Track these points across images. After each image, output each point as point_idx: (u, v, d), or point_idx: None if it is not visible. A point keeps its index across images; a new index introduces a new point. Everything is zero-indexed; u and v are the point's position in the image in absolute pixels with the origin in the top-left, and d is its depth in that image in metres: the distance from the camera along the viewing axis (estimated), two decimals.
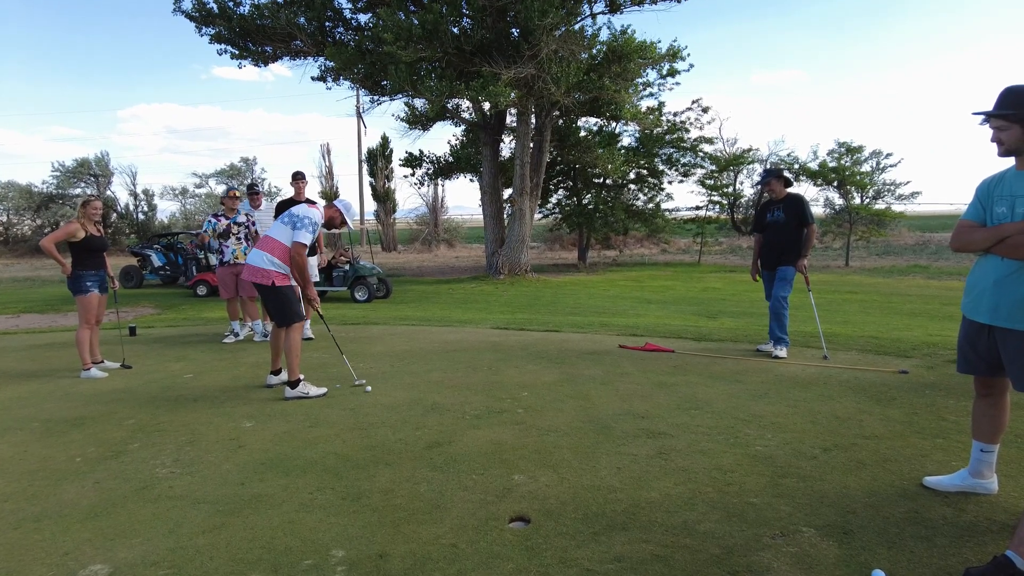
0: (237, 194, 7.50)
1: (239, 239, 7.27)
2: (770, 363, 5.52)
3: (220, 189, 42.73)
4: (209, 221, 7.39)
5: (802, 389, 4.66)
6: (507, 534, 2.59)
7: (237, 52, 18.16)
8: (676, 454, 3.42)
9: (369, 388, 4.87)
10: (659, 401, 4.40)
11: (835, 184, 24.16)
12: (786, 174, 6.00)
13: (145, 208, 37.82)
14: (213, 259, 16.61)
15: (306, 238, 4.69)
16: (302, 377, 4.74)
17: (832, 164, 23.90)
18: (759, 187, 5.99)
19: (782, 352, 5.69)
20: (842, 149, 24.04)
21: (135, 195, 37.35)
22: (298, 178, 7.19)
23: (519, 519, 2.73)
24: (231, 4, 17.39)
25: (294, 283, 4.83)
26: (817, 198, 26.18)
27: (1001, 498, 2.83)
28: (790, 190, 6.00)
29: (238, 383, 5.18)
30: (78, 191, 35.05)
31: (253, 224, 7.39)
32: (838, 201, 25.12)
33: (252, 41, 18.02)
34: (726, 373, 5.16)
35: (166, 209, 43.61)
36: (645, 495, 2.92)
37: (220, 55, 18.47)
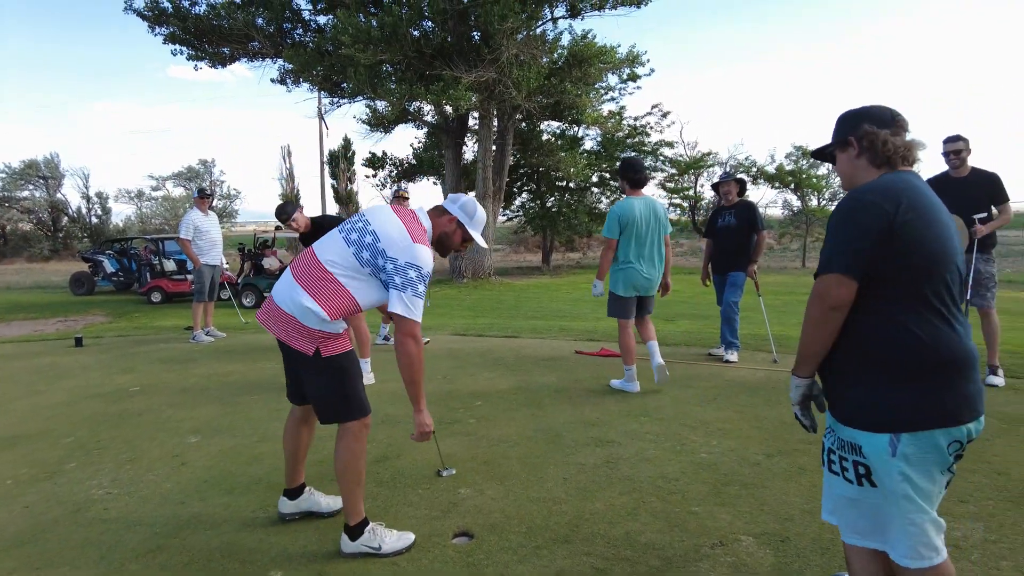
0: (407, 194, 7.03)
1: None
2: (720, 367, 5.62)
3: (177, 192, 41.79)
4: None
5: (750, 394, 4.75)
6: (449, 550, 2.59)
7: (193, 53, 17.78)
8: (623, 463, 3.45)
9: None
10: (610, 408, 4.44)
11: (792, 187, 24.75)
12: (743, 177, 6.16)
13: (99, 211, 36.78)
14: (169, 265, 16.21)
15: (418, 309, 2.48)
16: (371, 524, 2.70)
17: (789, 167, 24.48)
18: (715, 187, 6.21)
19: (733, 356, 5.80)
20: (798, 152, 24.63)
21: (88, 198, 36.28)
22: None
23: (463, 534, 2.73)
24: (186, 4, 17.02)
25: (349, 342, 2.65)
26: (776, 200, 26.85)
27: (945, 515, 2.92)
28: (743, 197, 6.15)
29: (186, 396, 5.06)
30: (25, 193, 33.88)
31: None
32: (795, 203, 25.75)
33: (208, 42, 17.65)
34: (677, 378, 5.23)
35: (121, 212, 42.54)
36: (590, 506, 2.94)
37: (175, 56, 18.08)
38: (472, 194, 20.53)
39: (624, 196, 4.95)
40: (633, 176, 4.87)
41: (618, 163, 5.21)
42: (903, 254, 1.65)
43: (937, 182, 4.85)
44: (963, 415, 1.66)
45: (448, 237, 2.73)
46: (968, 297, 4.88)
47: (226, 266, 9.04)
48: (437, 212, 2.74)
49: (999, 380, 4.82)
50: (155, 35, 17.44)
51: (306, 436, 2.90)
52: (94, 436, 4.09)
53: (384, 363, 6.06)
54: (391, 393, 4.95)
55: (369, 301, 2.57)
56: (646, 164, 24.72)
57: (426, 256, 2.50)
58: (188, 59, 17.92)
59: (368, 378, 5.24)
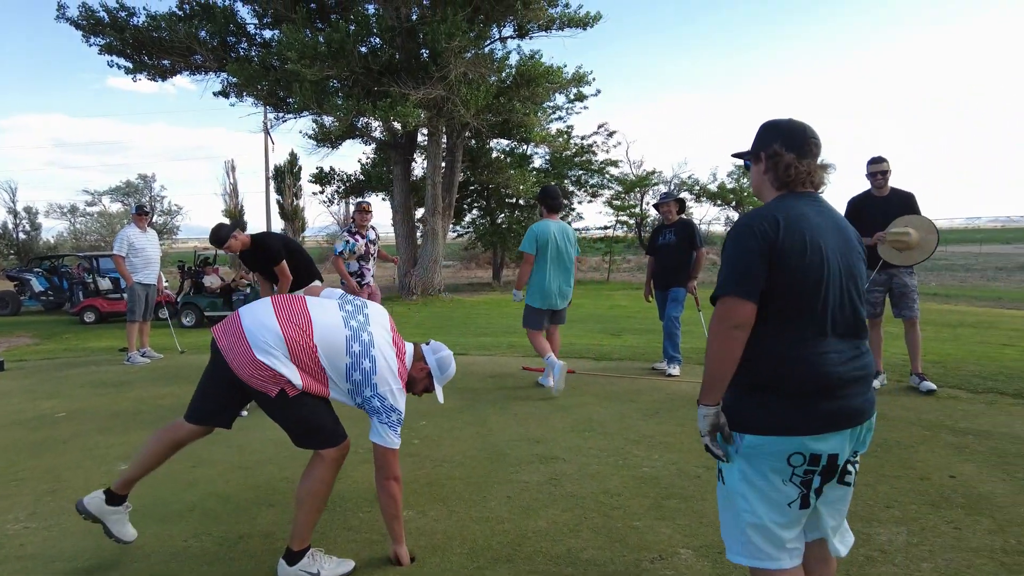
0: (369, 207, 6.55)
1: (375, 259, 6.47)
2: (663, 381, 5.72)
3: (114, 208, 40.29)
4: (346, 241, 6.24)
5: (691, 407, 4.85)
6: (390, 574, 2.54)
7: (131, 66, 17.24)
8: (566, 479, 3.47)
9: (245, 413, 4.37)
10: (555, 424, 4.47)
11: (733, 204, 25.56)
12: (684, 196, 6.37)
13: (27, 227, 35.12)
14: (104, 283, 15.54)
15: (394, 440, 2.56)
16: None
17: (731, 185, 25.30)
18: (656, 206, 6.51)
19: (675, 370, 5.92)
20: (739, 171, 25.48)
21: (15, 213, 34.62)
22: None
23: None
24: (123, 15, 16.52)
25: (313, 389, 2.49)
26: (718, 217, 27.66)
27: (872, 521, 3.03)
28: (683, 215, 6.36)
29: (118, 421, 4.84)
30: None
31: (377, 240, 6.54)
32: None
33: (147, 54, 17.16)
34: (621, 393, 5.31)
35: (52, 228, 40.75)
36: (532, 524, 2.94)
37: (111, 67, 17.50)
38: (420, 211, 20.47)
39: (541, 218, 5.56)
40: (550, 202, 5.57)
41: (539, 189, 6.05)
42: (777, 277, 1.71)
43: (860, 200, 5.15)
44: (809, 428, 1.70)
45: (414, 383, 2.75)
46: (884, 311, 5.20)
47: (165, 284, 8.74)
48: (416, 355, 2.75)
49: (931, 384, 5.05)
50: (90, 45, 16.87)
51: (167, 457, 2.74)
52: (11, 466, 3.86)
53: None
54: None
55: (335, 395, 2.56)
56: (593, 182, 25.29)
57: (404, 404, 2.59)
58: (126, 72, 17.38)
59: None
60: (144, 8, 18.17)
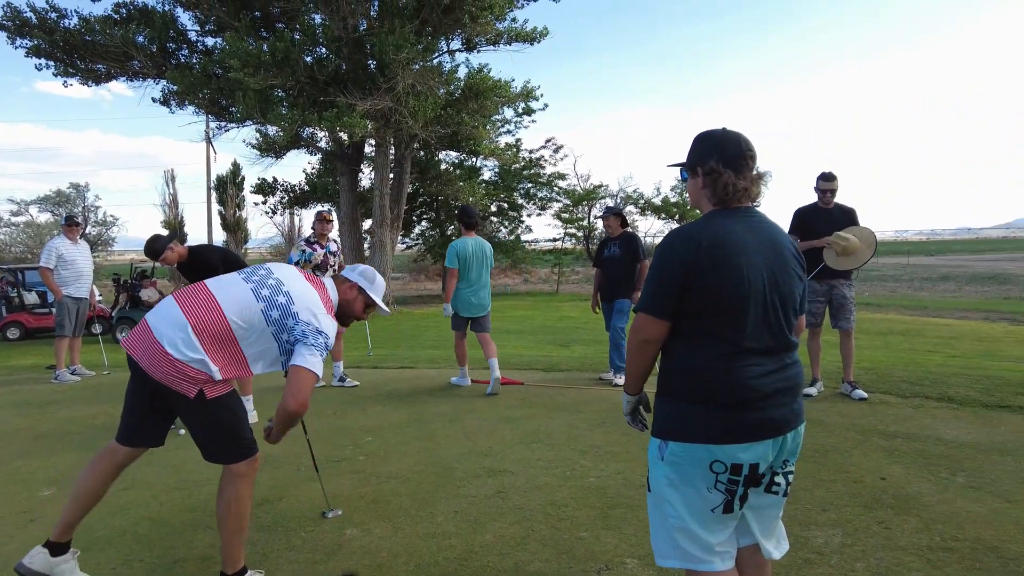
0: (330, 216, 6.32)
1: (334, 271, 6.15)
2: (610, 391, 5.79)
3: (43, 218, 38.35)
4: (302, 251, 6.05)
5: None
6: None
7: (62, 69, 16.54)
8: (514, 492, 3.46)
9: (182, 432, 4.25)
10: (503, 436, 4.46)
11: (677, 217, 26.21)
12: (627, 211, 6.54)
13: None
14: (30, 297, 14.76)
15: (320, 366, 2.46)
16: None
17: (674, 199, 25.95)
18: (600, 219, 6.77)
19: (621, 380, 6.00)
20: (682, 185, 26.18)
21: None
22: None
23: None
24: (53, 16, 15.85)
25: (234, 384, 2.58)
26: (663, 230, 28.28)
27: (810, 524, 3.12)
28: (626, 229, 6.49)
29: (42, 443, 4.59)
30: None
31: (339, 252, 6.30)
32: None
33: (80, 57, 16.51)
34: (569, 403, 5.35)
35: None
36: (479, 538, 2.92)
37: (40, 70, 16.74)
38: (368, 222, 20.24)
39: (460, 235, 6.12)
40: (467, 220, 6.15)
41: (457, 210, 6.79)
42: (696, 295, 1.75)
43: (808, 212, 5.42)
44: (729, 438, 1.74)
45: (350, 304, 2.71)
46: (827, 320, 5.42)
47: (99, 298, 8.37)
48: (338, 281, 2.74)
49: (862, 393, 5.28)
50: (16, 47, 16.12)
51: (110, 486, 2.59)
52: None
53: (268, 399, 5.78)
54: None
55: (260, 369, 2.50)
56: (541, 195, 25.64)
57: (333, 328, 2.51)
58: (55, 75, 16.67)
59: (251, 416, 4.94)
60: (75, 11, 17.47)
